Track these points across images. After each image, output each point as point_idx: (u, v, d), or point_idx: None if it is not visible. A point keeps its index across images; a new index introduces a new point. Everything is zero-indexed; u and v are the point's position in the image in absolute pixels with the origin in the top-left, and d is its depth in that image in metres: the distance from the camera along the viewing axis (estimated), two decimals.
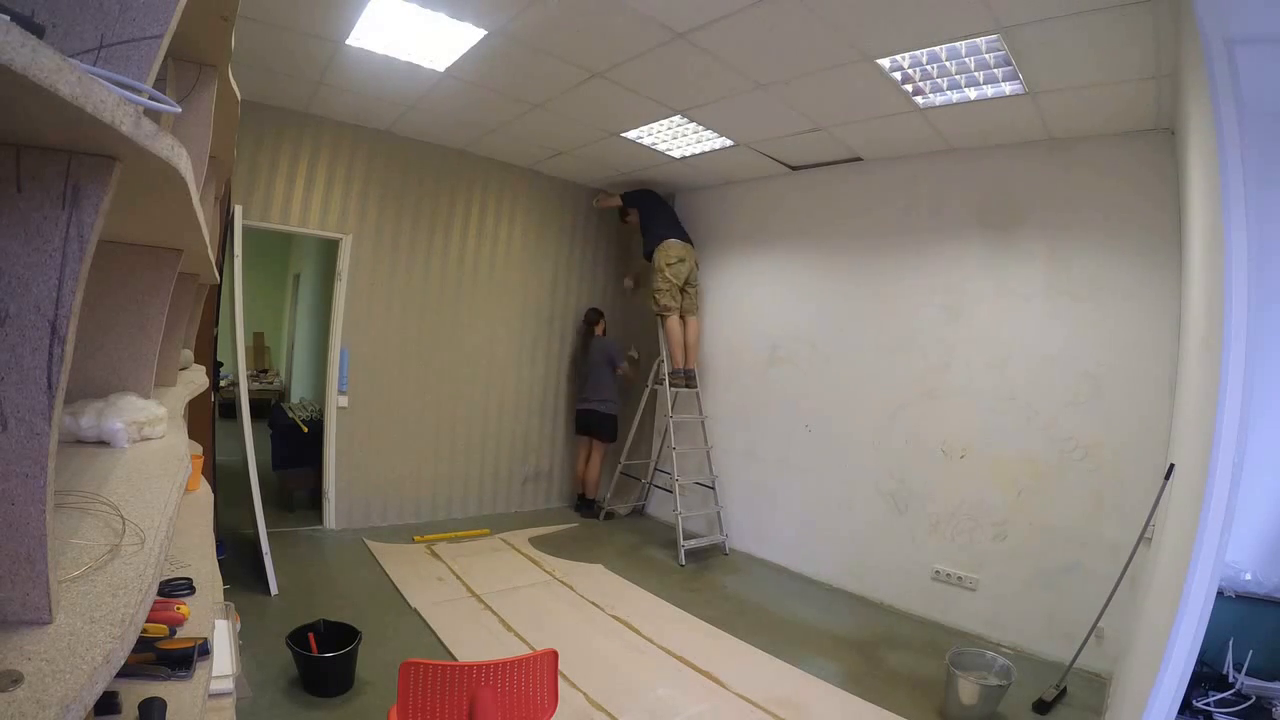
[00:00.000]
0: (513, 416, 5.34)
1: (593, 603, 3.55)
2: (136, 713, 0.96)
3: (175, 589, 1.30)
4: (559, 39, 2.91)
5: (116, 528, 0.62)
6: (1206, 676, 1.89)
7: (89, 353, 1.07)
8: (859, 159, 4.14)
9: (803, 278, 4.58)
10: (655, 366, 5.11)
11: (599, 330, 5.44)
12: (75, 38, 0.56)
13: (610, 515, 5.39)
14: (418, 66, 3.32)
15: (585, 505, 5.44)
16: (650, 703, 2.61)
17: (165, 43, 0.61)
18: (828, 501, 4.25)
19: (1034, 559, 3.36)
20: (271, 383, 8.48)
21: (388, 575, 3.73)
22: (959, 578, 3.61)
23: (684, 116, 3.75)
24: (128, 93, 0.46)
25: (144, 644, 1.08)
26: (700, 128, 3.92)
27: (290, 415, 5.06)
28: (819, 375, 4.39)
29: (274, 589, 3.34)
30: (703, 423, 4.97)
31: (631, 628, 3.25)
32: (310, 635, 2.57)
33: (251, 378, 7.59)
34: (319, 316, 6.00)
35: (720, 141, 4.12)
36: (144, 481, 0.79)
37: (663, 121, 3.87)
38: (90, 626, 0.46)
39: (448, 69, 3.31)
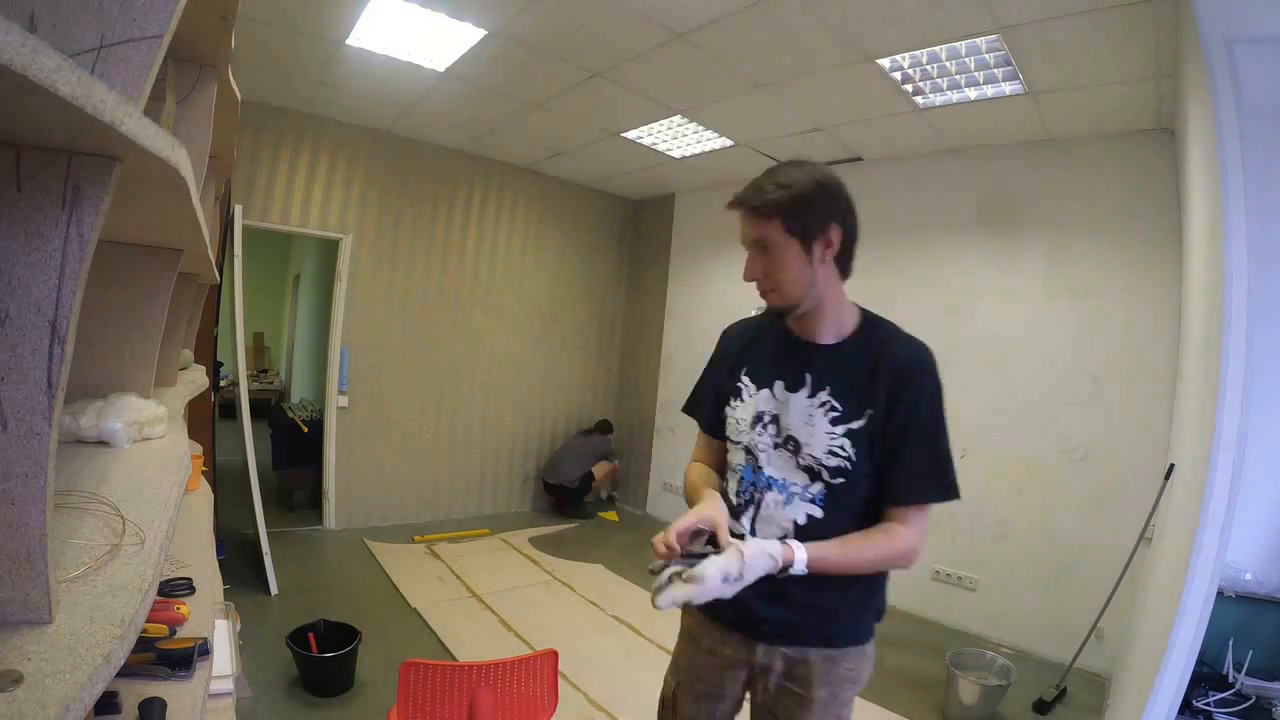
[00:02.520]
0: (512, 416, 5.34)
1: (593, 603, 3.55)
2: (136, 713, 0.96)
3: (175, 589, 1.30)
4: (559, 39, 2.92)
5: (116, 528, 0.62)
6: (1206, 676, 1.89)
7: (89, 353, 1.07)
8: (859, 159, 4.15)
9: None
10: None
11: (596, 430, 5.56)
12: (75, 38, 0.56)
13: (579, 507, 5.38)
14: (418, 66, 3.32)
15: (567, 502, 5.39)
16: (650, 703, 2.60)
17: (165, 43, 0.61)
18: None
19: (1034, 559, 3.36)
20: (271, 383, 8.47)
21: (388, 575, 3.73)
22: (959, 578, 3.61)
23: (684, 116, 3.75)
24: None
25: (144, 644, 1.08)
26: (700, 128, 3.92)
27: (290, 415, 5.06)
28: None
29: (274, 589, 3.34)
30: None
31: (631, 628, 3.24)
32: (310, 635, 2.57)
33: (251, 378, 7.58)
34: (319, 316, 6.00)
35: (720, 141, 4.12)
36: (144, 481, 0.79)
37: (663, 121, 3.87)
38: (90, 626, 0.46)
39: (448, 69, 3.31)
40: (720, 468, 1.30)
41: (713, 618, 1.26)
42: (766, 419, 1.18)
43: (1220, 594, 1.76)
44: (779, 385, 1.18)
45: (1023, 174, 3.53)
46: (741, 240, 1.17)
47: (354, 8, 2.76)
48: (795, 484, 1.14)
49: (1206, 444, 1.60)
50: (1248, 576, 2.00)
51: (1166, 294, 2.98)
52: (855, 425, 1.11)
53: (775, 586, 1.07)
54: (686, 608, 1.27)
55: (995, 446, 3.53)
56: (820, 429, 1.13)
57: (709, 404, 1.31)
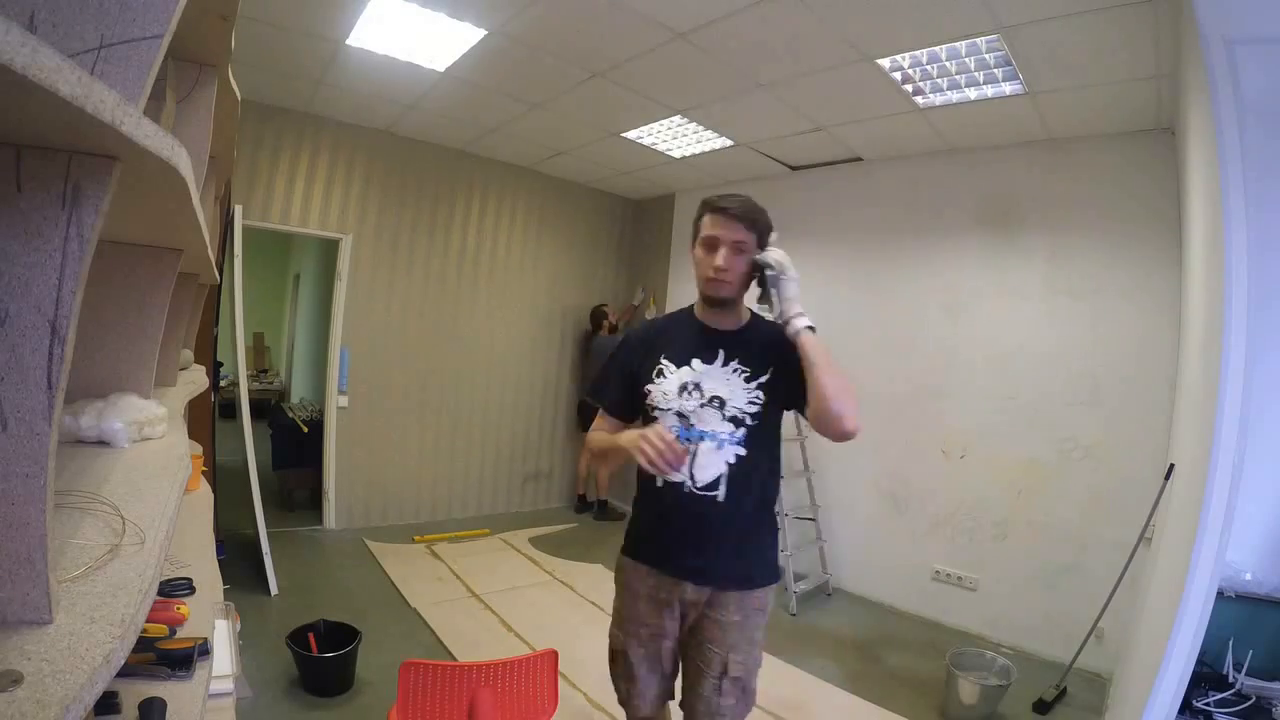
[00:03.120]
0: (513, 416, 5.34)
1: (593, 603, 3.55)
2: (136, 713, 0.96)
3: (175, 589, 1.30)
4: (559, 39, 2.92)
5: (116, 528, 0.62)
6: (1206, 676, 1.88)
7: (89, 353, 1.07)
8: (859, 159, 4.14)
9: (802, 278, 4.57)
10: None
11: (604, 330, 5.37)
12: (75, 38, 0.56)
13: (607, 510, 5.38)
14: (418, 66, 3.32)
15: (585, 506, 5.43)
16: None
17: (165, 43, 0.61)
18: (827, 501, 4.25)
19: (1034, 559, 3.36)
20: (271, 383, 8.47)
21: (388, 575, 3.73)
22: (959, 578, 3.61)
23: (684, 116, 3.75)
24: None
25: (144, 644, 1.08)
26: (700, 128, 3.92)
27: (290, 415, 5.06)
28: None
29: (274, 589, 3.34)
30: None
31: None
32: (310, 635, 2.57)
33: (251, 378, 7.58)
34: (319, 316, 6.00)
35: (720, 141, 4.12)
36: (144, 481, 0.79)
37: (663, 121, 3.87)
38: (90, 626, 0.46)
39: (448, 69, 3.31)
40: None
41: (647, 562, 1.55)
42: (690, 387, 1.48)
43: (1220, 594, 1.76)
44: (696, 361, 1.51)
45: (1023, 174, 3.53)
46: (713, 238, 1.47)
47: (354, 8, 2.76)
48: (723, 432, 1.45)
49: (1206, 444, 1.60)
50: (1248, 576, 2.00)
51: (1166, 294, 2.98)
52: (763, 379, 1.47)
53: (700, 538, 1.46)
54: (621, 562, 1.64)
55: (995, 446, 3.53)
56: (738, 387, 1.47)
57: (615, 390, 1.61)
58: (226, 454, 4.00)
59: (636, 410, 1.57)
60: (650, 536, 1.56)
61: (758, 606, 1.51)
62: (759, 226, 1.46)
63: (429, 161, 4.66)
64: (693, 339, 1.54)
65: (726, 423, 1.45)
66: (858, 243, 4.22)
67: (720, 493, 1.45)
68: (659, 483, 1.48)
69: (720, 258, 1.44)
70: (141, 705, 0.97)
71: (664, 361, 1.53)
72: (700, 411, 1.46)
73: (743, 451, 1.45)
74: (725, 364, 1.49)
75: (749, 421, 1.45)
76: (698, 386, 1.47)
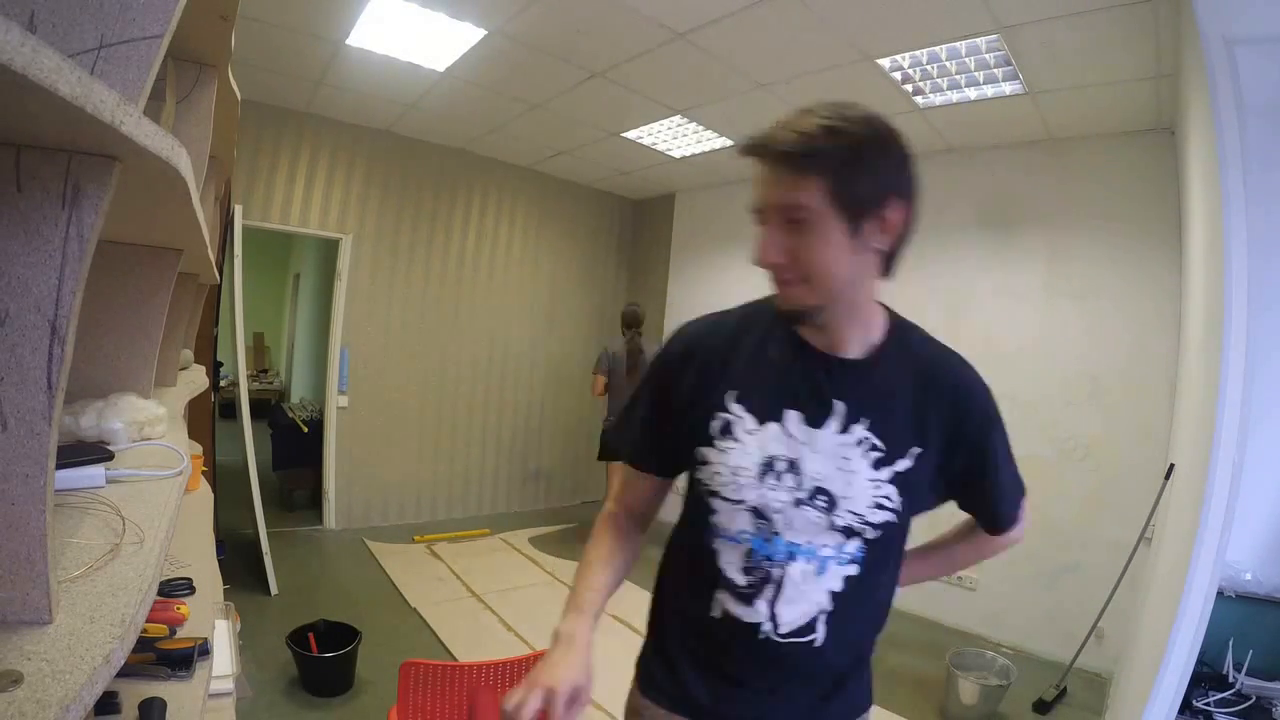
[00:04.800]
0: (512, 416, 5.34)
1: None
2: (136, 713, 0.96)
3: (175, 589, 1.30)
4: (559, 39, 2.92)
5: (116, 528, 0.62)
6: (1206, 676, 1.88)
7: (89, 353, 1.07)
8: None
9: None
10: None
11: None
12: (75, 38, 0.56)
13: None
14: (418, 66, 3.32)
15: None
16: None
17: (165, 43, 0.61)
18: None
19: (1034, 559, 3.35)
20: (271, 383, 8.47)
21: (388, 575, 3.73)
22: (959, 577, 3.61)
23: (684, 116, 3.75)
24: None
25: (144, 644, 1.08)
26: (700, 128, 3.92)
27: (290, 415, 5.06)
28: None
29: (274, 589, 3.34)
30: None
31: (631, 628, 3.24)
32: (310, 635, 2.57)
33: (251, 378, 7.58)
34: (319, 316, 6.00)
35: (720, 141, 4.12)
36: (144, 482, 0.79)
37: (663, 121, 3.87)
38: (90, 626, 0.46)
39: (448, 69, 3.31)
40: (647, 516, 1.03)
41: (686, 714, 0.95)
42: (780, 465, 0.84)
43: (1220, 594, 1.76)
44: (794, 418, 0.84)
45: (1023, 174, 3.53)
46: (757, 204, 0.80)
47: (354, 8, 2.76)
48: (827, 546, 0.85)
49: (1206, 444, 1.60)
50: (1248, 576, 2.00)
51: (1166, 294, 2.98)
52: (901, 468, 0.84)
53: (780, 694, 0.90)
54: (636, 704, 1.05)
55: None
56: (861, 476, 0.83)
57: (637, 429, 0.96)
58: (226, 454, 3.99)
59: (679, 465, 0.96)
60: (692, 680, 0.94)
61: None
62: (847, 168, 0.75)
63: (429, 161, 4.66)
64: (786, 367, 0.87)
65: (833, 533, 0.85)
66: None
67: (817, 636, 0.86)
68: (714, 611, 0.88)
69: (764, 247, 0.80)
70: (141, 705, 0.97)
71: (734, 408, 0.86)
72: (792, 513, 0.84)
73: (855, 571, 0.86)
74: (846, 429, 0.84)
75: (870, 534, 0.85)
76: (793, 466, 0.84)
